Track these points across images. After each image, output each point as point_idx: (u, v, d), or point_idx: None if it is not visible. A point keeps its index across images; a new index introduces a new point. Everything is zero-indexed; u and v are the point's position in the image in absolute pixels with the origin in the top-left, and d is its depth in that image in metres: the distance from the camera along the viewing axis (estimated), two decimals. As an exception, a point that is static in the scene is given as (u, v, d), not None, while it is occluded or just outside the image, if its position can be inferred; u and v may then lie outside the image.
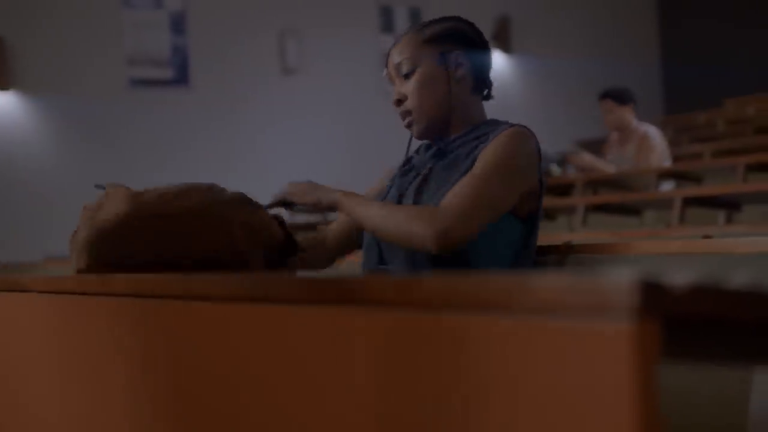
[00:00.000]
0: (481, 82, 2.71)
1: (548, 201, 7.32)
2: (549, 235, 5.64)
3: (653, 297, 0.89)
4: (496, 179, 2.41)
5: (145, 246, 2.16)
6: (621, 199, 6.54)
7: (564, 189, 7.47)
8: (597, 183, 7.26)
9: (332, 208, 2.62)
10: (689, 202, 5.61)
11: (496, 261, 2.47)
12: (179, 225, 2.18)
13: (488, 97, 2.75)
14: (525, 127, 2.55)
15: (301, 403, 1.33)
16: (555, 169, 7.48)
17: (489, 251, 2.47)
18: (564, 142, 11.42)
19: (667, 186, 6.85)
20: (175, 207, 2.21)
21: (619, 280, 0.90)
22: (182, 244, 2.16)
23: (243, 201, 2.30)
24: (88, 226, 2.20)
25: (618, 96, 7.17)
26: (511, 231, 2.50)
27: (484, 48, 2.74)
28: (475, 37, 2.75)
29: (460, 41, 2.71)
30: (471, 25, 2.79)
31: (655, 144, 7.06)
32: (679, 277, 0.92)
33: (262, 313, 1.42)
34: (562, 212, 6.86)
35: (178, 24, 10.81)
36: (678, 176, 6.93)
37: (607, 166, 7.16)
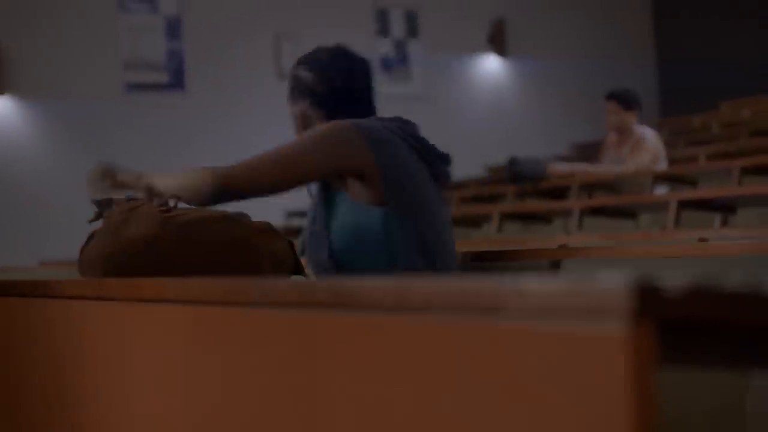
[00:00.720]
0: (332, 110, 2.80)
1: (544, 204, 7.33)
2: (544, 238, 5.64)
3: (649, 300, 0.89)
4: (287, 146, 2.69)
5: (168, 270, 2.13)
6: (616, 202, 6.54)
7: (560, 192, 7.47)
8: (592, 186, 7.27)
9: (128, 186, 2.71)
10: (684, 205, 5.61)
11: (368, 257, 2.56)
12: (209, 253, 2.17)
13: (357, 105, 2.81)
14: (349, 121, 2.66)
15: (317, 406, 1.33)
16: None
17: (355, 244, 2.55)
18: (560, 145, 11.44)
19: (662, 189, 6.86)
20: (207, 235, 2.19)
21: (616, 283, 0.90)
22: (209, 272, 2.13)
23: (269, 231, 2.30)
24: (110, 239, 2.17)
25: (625, 100, 7.15)
26: (368, 220, 2.57)
27: (324, 75, 2.82)
28: (313, 72, 2.81)
29: (299, 92, 2.89)
30: (307, 62, 2.87)
31: (648, 145, 7.06)
32: (675, 281, 0.92)
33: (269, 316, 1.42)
34: (557, 215, 6.87)
35: (173, 28, 10.81)
36: (673, 179, 6.93)
37: (597, 168, 7.18)
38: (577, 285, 0.93)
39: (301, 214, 9.93)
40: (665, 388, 0.90)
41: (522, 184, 7.42)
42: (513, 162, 7.40)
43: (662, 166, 7.08)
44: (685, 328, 0.97)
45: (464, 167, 10.65)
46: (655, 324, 0.89)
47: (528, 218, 7.04)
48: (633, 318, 0.88)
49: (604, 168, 7.15)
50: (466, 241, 5.71)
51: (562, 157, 7.66)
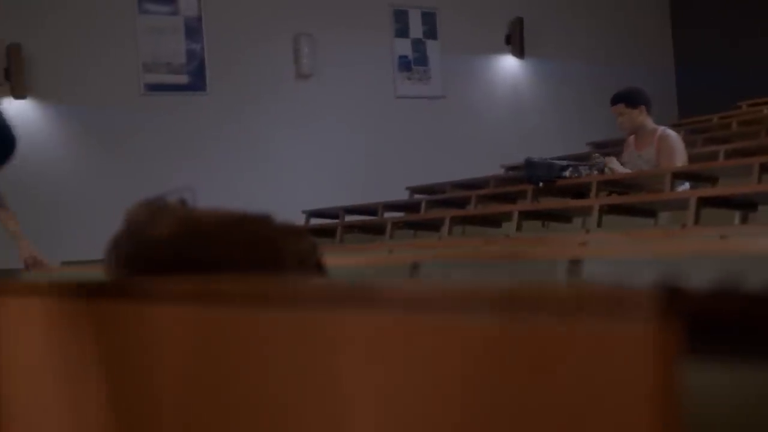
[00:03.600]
0: None
1: (563, 202, 7.31)
2: (565, 236, 5.64)
3: (676, 299, 0.90)
4: None
5: (192, 270, 2.12)
6: (636, 200, 6.53)
7: (579, 190, 7.46)
8: (612, 184, 7.25)
9: None
10: (704, 202, 5.60)
11: None
12: (234, 254, 2.17)
13: None
14: None
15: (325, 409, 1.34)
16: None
17: None
18: (577, 145, 11.42)
19: (682, 187, 6.83)
20: (231, 235, 2.19)
21: (642, 283, 0.91)
22: (233, 271, 2.12)
23: (293, 231, 2.29)
24: (132, 240, 2.18)
25: (628, 98, 7.09)
26: None
27: None
28: None
29: None
30: None
31: (675, 145, 7.02)
32: (700, 279, 0.93)
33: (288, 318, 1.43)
34: (577, 213, 6.86)
35: (193, 29, 10.83)
36: (693, 177, 6.91)
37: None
38: (604, 285, 0.94)
39: (319, 214, 9.95)
40: (690, 386, 0.91)
41: (536, 185, 7.43)
42: (528, 164, 7.44)
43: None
44: (710, 326, 0.97)
45: (483, 166, 10.66)
46: (681, 322, 0.90)
47: (547, 216, 7.04)
48: (659, 317, 0.89)
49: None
50: (486, 240, 5.71)
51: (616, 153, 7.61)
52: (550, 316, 0.98)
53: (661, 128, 7.16)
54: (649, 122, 7.10)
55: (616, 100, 7.12)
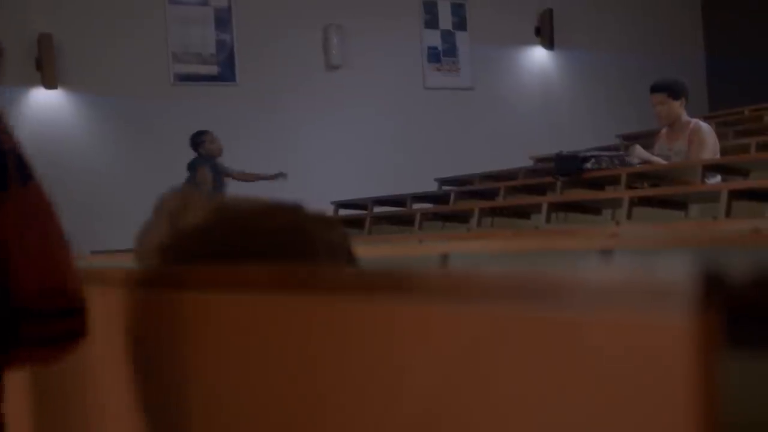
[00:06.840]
0: None
1: (593, 194, 7.29)
2: (594, 228, 5.62)
3: (715, 288, 0.89)
4: None
5: (224, 260, 2.12)
6: (667, 192, 6.50)
7: (609, 182, 7.43)
8: (642, 176, 7.21)
9: None
10: (736, 195, 5.57)
11: None
12: (265, 243, 2.16)
13: None
14: None
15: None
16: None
17: None
18: (607, 137, 11.38)
19: (713, 180, 6.79)
20: (264, 224, 2.18)
21: (680, 270, 0.90)
22: (265, 260, 2.12)
23: (324, 220, 2.29)
24: (165, 229, 2.17)
25: (672, 89, 7.04)
26: None
27: None
28: None
29: None
30: None
31: (707, 138, 6.97)
32: (737, 271, 0.92)
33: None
34: (606, 205, 6.83)
35: (223, 20, 10.85)
36: (724, 169, 6.87)
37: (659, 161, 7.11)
38: (641, 273, 0.93)
39: (348, 205, 9.95)
40: (729, 376, 0.90)
41: (563, 177, 7.42)
42: (556, 157, 7.44)
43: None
44: (749, 315, 0.96)
45: (512, 158, 10.64)
46: (720, 312, 0.89)
47: (577, 208, 7.02)
48: (698, 306, 0.88)
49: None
50: (515, 231, 5.70)
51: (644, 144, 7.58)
52: (586, 305, 0.97)
53: (694, 120, 7.12)
54: (685, 115, 7.05)
55: (659, 88, 7.04)
